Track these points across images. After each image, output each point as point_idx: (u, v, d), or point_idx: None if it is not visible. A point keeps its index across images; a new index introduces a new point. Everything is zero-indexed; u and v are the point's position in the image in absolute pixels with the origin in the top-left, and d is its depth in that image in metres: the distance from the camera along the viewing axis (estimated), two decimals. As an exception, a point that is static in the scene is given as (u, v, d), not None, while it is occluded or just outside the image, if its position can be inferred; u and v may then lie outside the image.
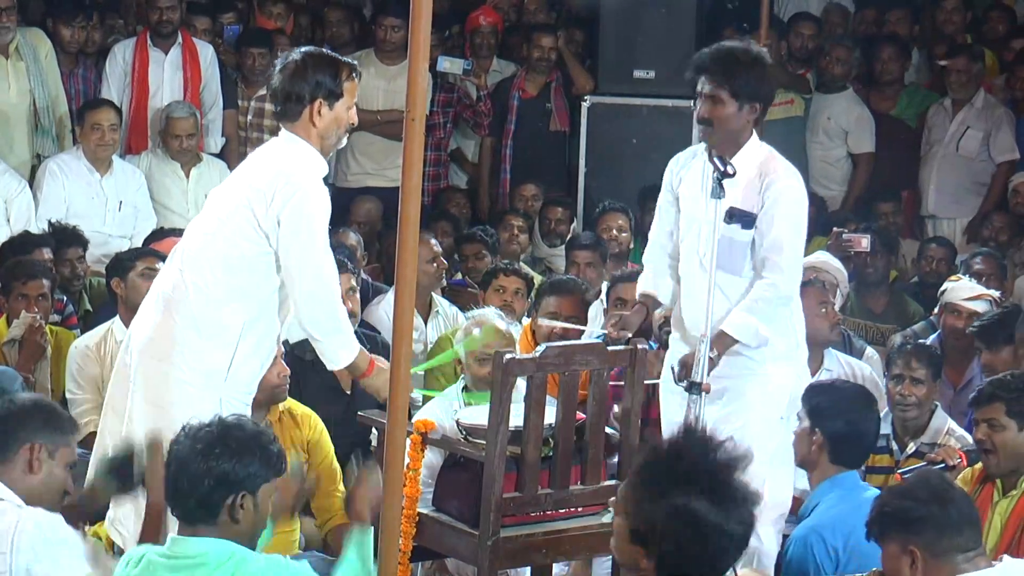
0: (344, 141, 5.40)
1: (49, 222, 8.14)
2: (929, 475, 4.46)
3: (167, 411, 5.10)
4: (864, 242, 8.32)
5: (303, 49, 5.38)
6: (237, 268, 5.15)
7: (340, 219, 9.14)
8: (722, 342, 5.61)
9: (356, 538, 4.54)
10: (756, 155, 5.74)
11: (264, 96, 8.91)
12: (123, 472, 4.66)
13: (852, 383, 5.72)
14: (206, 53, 9.29)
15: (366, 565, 4.49)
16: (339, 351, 5.24)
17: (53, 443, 4.52)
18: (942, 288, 7.49)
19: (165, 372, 5.14)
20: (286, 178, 5.13)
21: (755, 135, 5.83)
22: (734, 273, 5.67)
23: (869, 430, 5.35)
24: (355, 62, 5.42)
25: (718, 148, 5.74)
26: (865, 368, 7.10)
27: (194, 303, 5.15)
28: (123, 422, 5.22)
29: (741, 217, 5.55)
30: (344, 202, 9.43)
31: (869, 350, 7.59)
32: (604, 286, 7.85)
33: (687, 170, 5.94)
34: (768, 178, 5.70)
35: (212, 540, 4.09)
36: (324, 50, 5.48)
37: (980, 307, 7.21)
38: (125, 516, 5.17)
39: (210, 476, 4.08)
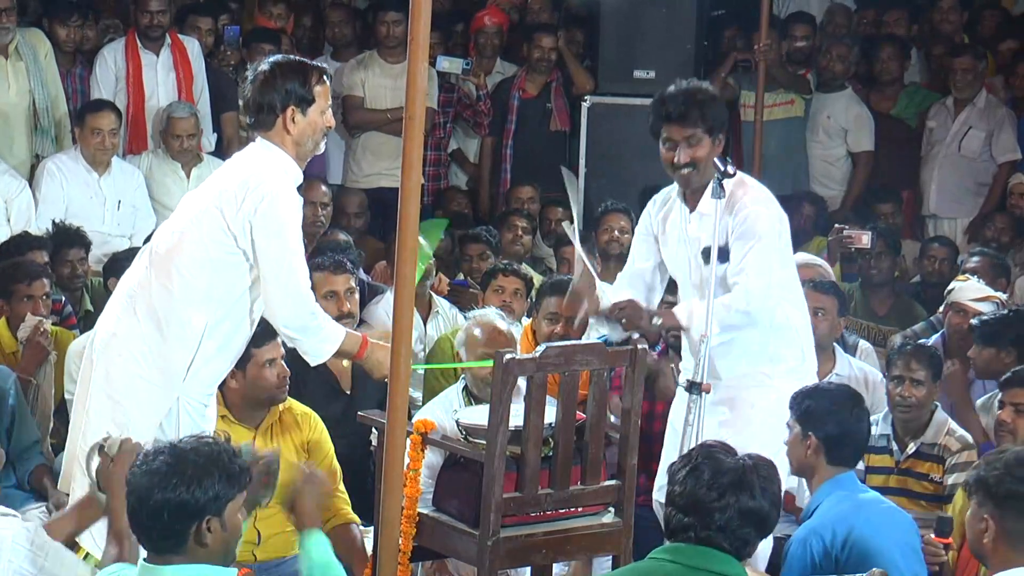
0: (322, 147, 5.40)
1: (53, 222, 8.14)
2: None
3: (122, 405, 5.14)
4: (865, 238, 8.31)
5: (271, 58, 5.38)
6: (204, 270, 5.17)
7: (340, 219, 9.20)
8: (669, 319, 5.67)
9: (313, 543, 4.52)
10: (725, 186, 5.67)
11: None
12: None
13: (837, 383, 5.68)
14: (193, 49, 9.29)
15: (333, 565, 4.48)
16: (320, 346, 5.26)
17: None
18: (949, 287, 7.48)
19: (125, 368, 5.15)
20: (257, 183, 5.15)
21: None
22: None
23: (860, 428, 5.33)
24: (323, 65, 5.42)
25: (693, 189, 5.77)
26: (876, 374, 7.09)
27: (158, 302, 5.17)
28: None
29: (720, 254, 5.56)
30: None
31: (862, 343, 7.58)
32: (604, 287, 7.85)
33: (665, 216, 5.96)
34: (737, 206, 5.69)
35: (185, 568, 3.99)
36: (292, 57, 5.48)
37: (986, 308, 7.20)
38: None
39: (169, 508, 3.96)
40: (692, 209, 5.82)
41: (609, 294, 5.97)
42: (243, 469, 4.10)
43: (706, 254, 5.60)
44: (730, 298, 5.63)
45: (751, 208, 5.71)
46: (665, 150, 5.80)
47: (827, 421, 5.21)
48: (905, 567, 5.02)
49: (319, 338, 5.24)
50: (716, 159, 5.58)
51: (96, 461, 4.58)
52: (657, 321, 5.67)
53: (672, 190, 5.97)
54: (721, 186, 5.52)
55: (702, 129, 5.73)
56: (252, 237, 5.13)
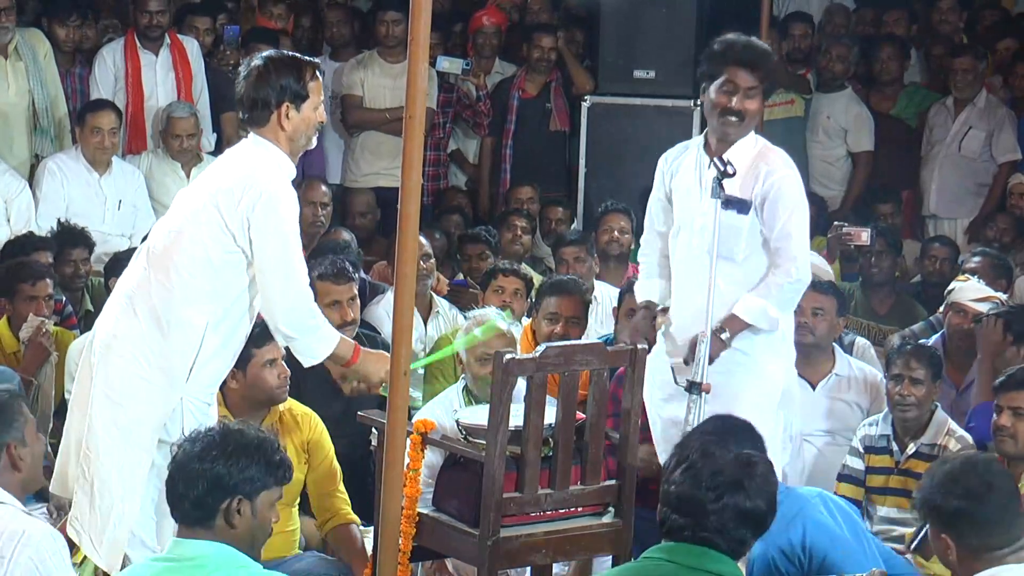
0: (314, 142, 5.39)
1: (58, 221, 8.14)
2: (973, 466, 4.30)
3: (124, 406, 5.12)
4: (864, 236, 8.32)
5: (264, 54, 5.37)
6: (202, 269, 5.16)
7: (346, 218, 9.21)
8: (734, 324, 5.69)
9: None
10: (752, 145, 5.80)
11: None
12: None
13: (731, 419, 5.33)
14: (192, 49, 9.29)
15: None
16: (316, 347, 5.25)
17: (22, 431, 4.47)
18: (949, 287, 7.47)
19: (126, 370, 5.14)
20: (254, 180, 5.14)
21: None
22: (729, 259, 5.70)
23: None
24: (317, 60, 5.42)
25: (729, 142, 5.78)
26: (876, 373, 7.09)
27: (158, 302, 5.16)
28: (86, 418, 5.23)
29: (736, 203, 5.57)
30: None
31: (859, 340, 7.58)
32: (603, 287, 7.87)
33: (679, 164, 5.97)
34: (766, 168, 5.75)
35: (212, 543, 4.08)
36: (285, 52, 5.46)
37: (986, 309, 7.20)
38: (81, 513, 5.17)
39: (205, 478, 4.07)
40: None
41: (638, 289, 6.01)
42: (284, 465, 4.17)
43: (726, 202, 5.54)
44: (778, 277, 5.70)
45: (784, 171, 5.78)
46: (720, 93, 5.77)
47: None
48: (858, 547, 5.00)
49: (315, 338, 5.23)
50: (716, 159, 5.58)
51: None
52: (726, 335, 5.69)
53: (686, 145, 5.99)
54: (721, 186, 5.52)
55: (763, 85, 5.81)
56: (250, 235, 5.13)
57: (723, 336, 5.66)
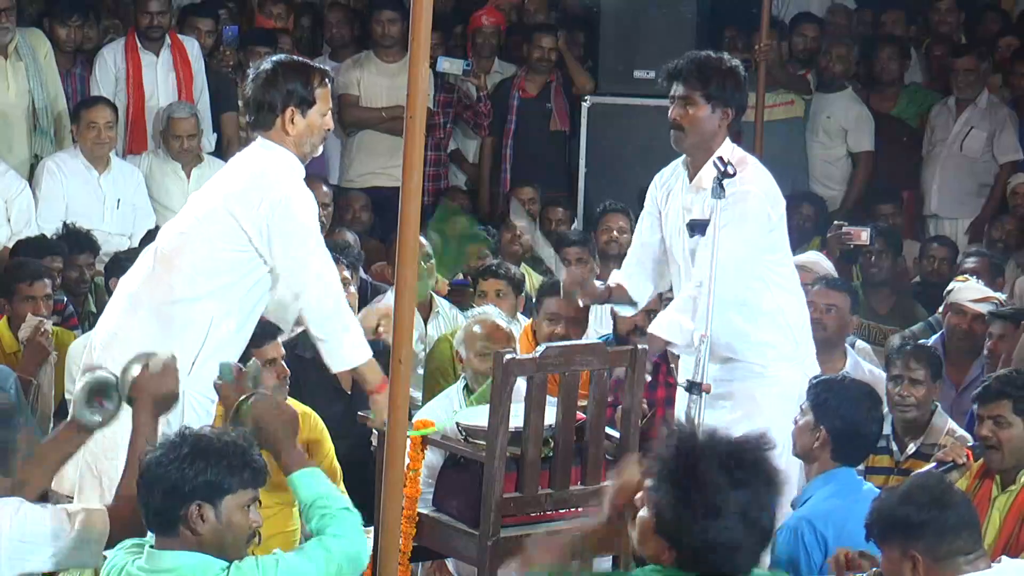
0: (320, 149, 5.40)
1: (64, 224, 8.13)
2: (928, 479, 4.38)
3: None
4: (864, 235, 8.30)
5: (274, 57, 5.39)
6: (211, 270, 5.17)
7: (343, 219, 9.20)
8: (653, 343, 5.60)
9: (301, 485, 4.26)
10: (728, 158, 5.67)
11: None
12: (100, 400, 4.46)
13: (860, 381, 5.60)
14: (193, 49, 9.29)
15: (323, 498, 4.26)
16: (347, 351, 5.25)
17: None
18: (948, 288, 7.46)
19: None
20: (269, 183, 5.15)
21: (727, 141, 5.81)
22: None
23: (872, 431, 5.33)
24: (327, 68, 5.43)
25: (690, 154, 5.78)
26: (883, 375, 7.06)
27: (162, 301, 5.17)
28: None
29: (702, 228, 5.52)
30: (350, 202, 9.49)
31: (859, 343, 7.57)
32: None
33: (671, 189, 5.95)
34: (731, 181, 5.56)
35: (187, 554, 3.97)
36: (295, 57, 5.47)
37: (985, 309, 7.19)
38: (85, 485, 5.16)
39: (161, 485, 3.94)
40: (691, 180, 5.81)
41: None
42: (252, 466, 4.02)
43: (691, 226, 5.56)
44: (690, 287, 5.60)
45: (740, 188, 5.63)
46: (669, 109, 5.83)
47: (842, 418, 5.20)
48: None
49: (347, 341, 5.23)
50: (715, 159, 5.55)
51: (135, 371, 4.45)
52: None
53: (679, 162, 5.96)
54: (721, 186, 5.50)
55: (699, 93, 5.72)
56: (271, 240, 5.13)
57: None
